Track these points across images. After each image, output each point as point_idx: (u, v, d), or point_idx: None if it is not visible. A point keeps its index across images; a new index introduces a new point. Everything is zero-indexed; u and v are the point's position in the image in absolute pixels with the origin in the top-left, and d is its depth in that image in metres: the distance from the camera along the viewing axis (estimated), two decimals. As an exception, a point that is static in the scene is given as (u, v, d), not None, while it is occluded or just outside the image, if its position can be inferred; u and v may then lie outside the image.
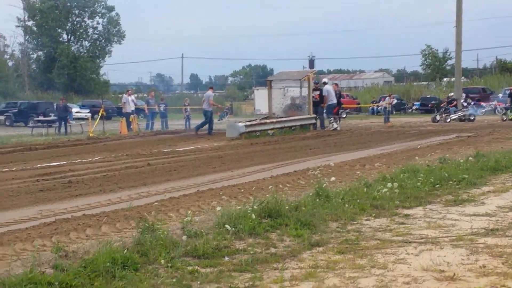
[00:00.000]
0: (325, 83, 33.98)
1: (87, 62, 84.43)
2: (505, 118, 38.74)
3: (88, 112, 54.70)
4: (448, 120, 39.01)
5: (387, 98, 44.23)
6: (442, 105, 44.03)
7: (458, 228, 8.49)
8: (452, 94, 44.65)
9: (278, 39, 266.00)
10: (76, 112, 54.50)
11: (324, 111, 33.13)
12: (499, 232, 8.17)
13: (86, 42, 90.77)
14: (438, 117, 40.12)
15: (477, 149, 18.05)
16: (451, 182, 12.16)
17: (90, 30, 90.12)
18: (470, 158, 15.21)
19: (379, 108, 56.36)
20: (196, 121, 43.67)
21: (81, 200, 11.80)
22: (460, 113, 40.43)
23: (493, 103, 49.27)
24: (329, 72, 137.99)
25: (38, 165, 17.92)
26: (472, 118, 39.82)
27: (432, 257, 7.00)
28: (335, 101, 32.88)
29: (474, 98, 50.79)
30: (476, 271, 6.48)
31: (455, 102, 42.01)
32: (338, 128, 30.95)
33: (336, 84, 35.74)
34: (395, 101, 49.13)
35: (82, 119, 47.62)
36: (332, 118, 32.03)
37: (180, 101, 54.05)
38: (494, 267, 6.59)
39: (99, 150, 22.81)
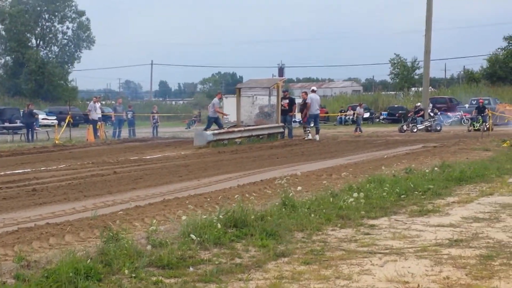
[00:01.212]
0: (313, 91, 33.64)
1: (55, 68, 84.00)
2: (470, 129, 39.16)
3: (54, 119, 54.23)
4: (415, 130, 39.37)
5: (358, 107, 44.57)
6: (409, 115, 44.40)
7: (423, 239, 8.53)
8: (419, 104, 45.02)
9: (248, 46, 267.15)
10: (43, 119, 53.99)
11: (294, 119, 32.99)
12: (463, 243, 8.22)
13: (55, 47, 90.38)
14: (405, 127, 40.50)
15: (443, 159, 18.20)
16: (416, 192, 12.23)
17: (60, 35, 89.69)
18: (436, 169, 15.33)
19: (347, 117, 56.80)
20: (164, 129, 43.75)
21: (45, 208, 11.66)
22: (426, 123, 40.79)
23: (459, 113, 49.78)
24: (299, 81, 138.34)
25: (2, 173, 17.66)
26: (438, 128, 40.20)
27: (397, 268, 7.01)
28: (318, 111, 32.67)
29: (441, 108, 51.26)
30: (440, 282, 6.51)
31: (422, 112, 42.35)
32: (309, 138, 30.79)
33: (305, 93, 35.75)
34: (365, 112, 49.83)
35: (49, 126, 47.19)
36: (312, 129, 31.81)
37: (149, 109, 53.85)
38: (458, 278, 6.62)
39: (65, 158, 22.58)
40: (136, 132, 38.87)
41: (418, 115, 41.93)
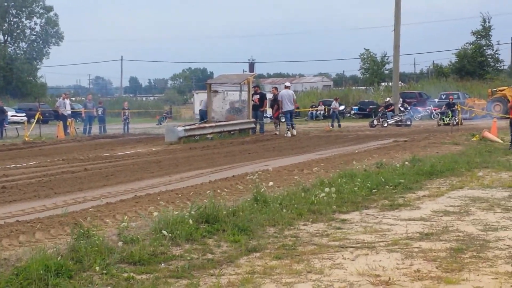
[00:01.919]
0: (286, 87, 33.04)
1: (24, 64, 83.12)
2: (440, 123, 39.46)
3: (24, 116, 53.74)
4: (385, 125, 39.59)
5: (334, 102, 44.69)
6: (379, 110, 44.65)
7: (394, 233, 8.58)
8: (389, 99, 45.28)
9: (219, 42, 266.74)
10: (12, 116, 53.45)
11: (265, 115, 32.94)
12: (433, 237, 8.28)
13: (23, 43, 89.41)
14: (375, 122, 40.69)
15: (413, 153, 18.32)
16: (387, 186, 12.30)
17: (28, 31, 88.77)
18: (406, 163, 15.46)
19: (318, 112, 57.00)
20: (134, 125, 43.54)
21: (15, 206, 11.56)
22: (397, 118, 41.06)
23: (429, 108, 50.12)
24: (269, 76, 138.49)
25: (-29, 170, 17.48)
26: (408, 123, 40.49)
27: (368, 262, 7.05)
28: (292, 107, 32.46)
29: (411, 103, 51.59)
30: (410, 275, 6.55)
31: (392, 107, 42.65)
32: (288, 135, 30.66)
33: (276, 88, 35.76)
34: (341, 106, 50.15)
35: (18, 123, 46.75)
36: (283, 124, 31.79)
37: (119, 105, 53.55)
38: (428, 271, 6.67)
39: (35, 155, 22.41)
40: (107, 128, 38.64)
41: (389, 109, 42.24)
